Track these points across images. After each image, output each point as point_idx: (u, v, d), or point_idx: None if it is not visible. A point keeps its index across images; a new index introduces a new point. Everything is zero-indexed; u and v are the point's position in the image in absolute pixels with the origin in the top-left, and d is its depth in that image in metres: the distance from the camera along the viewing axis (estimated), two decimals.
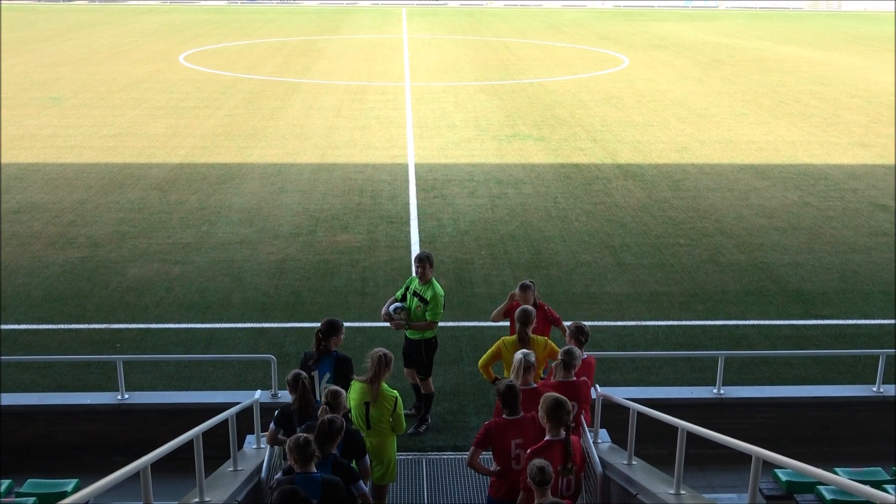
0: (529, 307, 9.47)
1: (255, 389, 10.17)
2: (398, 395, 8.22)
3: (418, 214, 19.72)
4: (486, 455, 7.75)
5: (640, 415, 8.13)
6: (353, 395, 8.15)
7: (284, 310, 14.60)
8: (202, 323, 14.11)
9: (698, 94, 35.69)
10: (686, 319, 14.44)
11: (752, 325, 14.23)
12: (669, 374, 12.55)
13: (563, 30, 60.50)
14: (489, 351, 9.50)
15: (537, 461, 6.29)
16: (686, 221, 19.48)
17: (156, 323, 14.08)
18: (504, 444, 7.31)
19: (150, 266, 16.46)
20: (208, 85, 36.32)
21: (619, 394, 9.85)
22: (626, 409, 8.39)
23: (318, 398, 8.32)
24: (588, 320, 14.16)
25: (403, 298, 10.80)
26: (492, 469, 7.51)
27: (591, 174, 23.32)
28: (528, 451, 6.87)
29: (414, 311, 10.69)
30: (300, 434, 6.56)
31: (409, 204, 20.51)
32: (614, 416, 9.85)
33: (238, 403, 8.86)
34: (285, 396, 10.52)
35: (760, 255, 17.35)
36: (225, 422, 7.98)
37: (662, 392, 11.29)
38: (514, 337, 9.33)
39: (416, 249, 17.40)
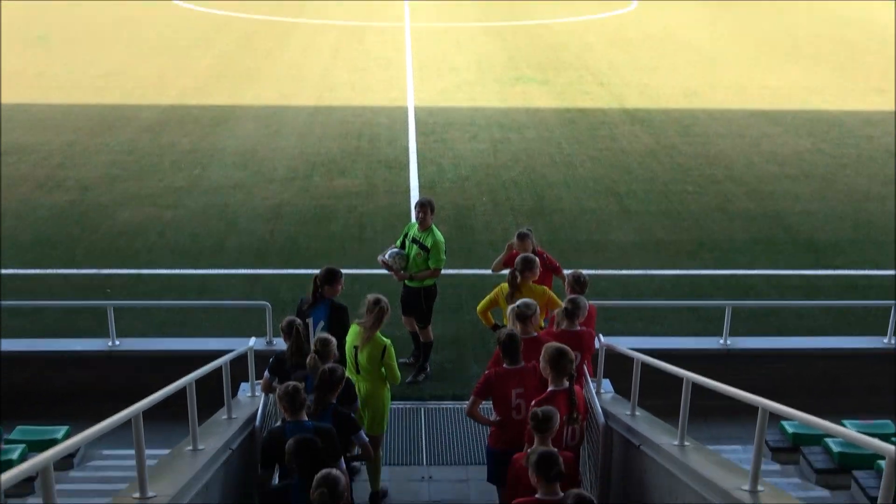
0: (530, 255, 9.38)
1: (250, 337, 10.18)
2: (389, 343, 8.12)
3: (418, 159, 19.62)
4: (486, 405, 7.78)
5: (645, 365, 8.14)
6: (348, 337, 8.22)
7: (280, 256, 14.58)
8: (195, 268, 14.09)
9: (709, 37, 35.32)
10: (693, 268, 14.43)
11: (761, 275, 14.22)
12: (675, 324, 12.56)
13: None
14: (487, 296, 9.46)
15: (543, 408, 6.30)
16: (695, 168, 19.39)
17: (147, 268, 14.07)
18: (505, 393, 7.33)
19: (142, 210, 16.41)
20: (201, 23, 35.94)
21: (623, 343, 9.86)
22: (630, 359, 8.40)
23: (312, 345, 8.00)
24: (592, 268, 14.16)
25: (403, 246, 10.71)
26: (491, 419, 7.55)
27: (597, 119, 23.16)
28: (532, 402, 6.83)
29: (413, 259, 10.61)
30: (289, 382, 6.55)
31: (408, 148, 20.39)
32: (618, 367, 9.86)
33: (232, 351, 8.87)
34: (280, 344, 10.47)
35: (771, 203, 17.29)
36: (218, 369, 8.00)
37: (667, 342, 11.31)
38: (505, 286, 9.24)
39: (415, 195, 17.34)
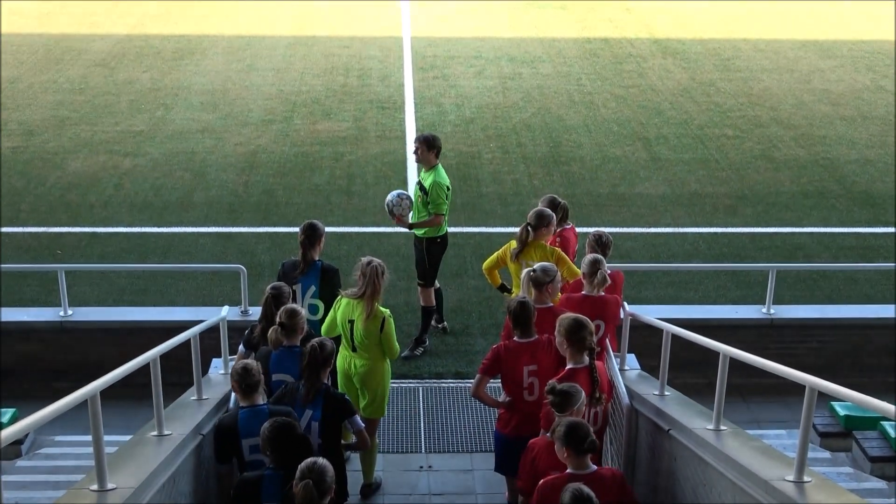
0: (547, 210, 9.32)
1: (222, 305, 10.22)
2: (388, 314, 8.08)
3: (415, 98, 19.56)
4: (494, 384, 7.85)
5: (675, 337, 8.19)
6: (340, 311, 8.17)
7: (255, 212, 14.61)
8: (158, 226, 14.13)
9: None
10: (732, 226, 14.46)
11: (811, 233, 14.25)
12: (711, 290, 12.62)
13: None
14: (496, 253, 9.44)
15: (564, 384, 6.36)
16: (735, 108, 19.34)
17: (103, 226, 14.09)
18: (515, 370, 7.37)
19: (96, 158, 16.41)
20: None
21: (651, 313, 9.90)
22: (659, 330, 8.45)
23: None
24: (616, 226, 14.22)
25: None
26: (500, 400, 7.61)
27: (623, 51, 23.05)
28: (551, 384, 6.66)
29: (415, 203, 10.70)
30: (242, 360, 6.57)
31: (403, 86, 20.32)
32: (645, 339, 9.93)
33: (202, 321, 8.92)
34: (256, 314, 10.56)
35: (823, 150, 17.28)
36: (186, 343, 8.04)
37: (702, 311, 11.37)
38: (513, 242, 9.23)
39: (411, 141, 17.30)
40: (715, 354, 7.28)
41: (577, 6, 27.16)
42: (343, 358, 8.17)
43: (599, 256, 8.43)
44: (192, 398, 8.20)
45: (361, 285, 7.95)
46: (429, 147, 10.60)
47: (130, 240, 13.73)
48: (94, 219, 14.30)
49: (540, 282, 7.87)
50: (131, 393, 9.36)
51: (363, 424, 7.11)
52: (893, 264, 13.04)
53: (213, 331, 9.36)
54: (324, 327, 8.29)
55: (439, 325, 11.52)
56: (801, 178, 16.10)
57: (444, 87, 20.20)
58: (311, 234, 8.85)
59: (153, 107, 18.86)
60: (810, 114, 19.12)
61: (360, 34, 24.08)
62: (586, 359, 6.93)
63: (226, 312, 9.63)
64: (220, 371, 9.38)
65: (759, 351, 7.14)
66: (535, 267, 8.00)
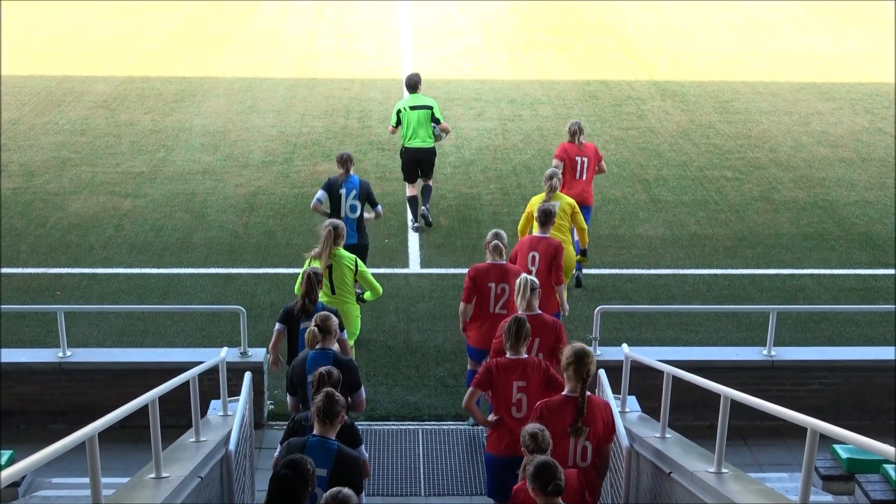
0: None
1: (221, 346, 10.23)
2: (356, 257, 10.26)
3: None
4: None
5: (676, 379, 8.19)
6: (304, 268, 9.71)
7: (255, 253, 14.64)
8: (158, 267, 14.15)
9: None
10: (732, 267, 14.48)
11: (811, 275, 14.27)
12: (711, 331, 12.62)
13: None
14: (523, 215, 11.79)
15: (530, 426, 6.60)
16: (734, 150, 19.42)
17: (103, 267, 14.12)
18: (505, 386, 7.69)
19: (96, 199, 16.46)
20: None
21: (652, 355, 9.91)
22: (660, 372, 8.45)
23: (343, 215, 11.88)
24: (616, 268, 14.26)
25: (398, 123, 14.82)
26: (489, 418, 7.85)
27: (623, 93, 23.19)
28: (539, 404, 7.17)
29: (423, 122, 14.75)
30: (327, 388, 6.75)
31: None
32: (645, 381, 9.92)
33: (201, 363, 8.91)
34: (256, 355, 10.62)
35: (822, 192, 17.33)
36: (185, 384, 8.04)
37: (702, 353, 11.35)
38: (542, 195, 11.48)
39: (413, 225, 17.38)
40: (716, 396, 7.27)
41: (577, 49, 27.35)
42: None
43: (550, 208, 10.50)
44: (191, 440, 8.18)
45: (319, 247, 10.10)
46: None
47: (130, 281, 13.74)
48: (94, 260, 14.32)
49: (536, 287, 8.66)
50: (129, 435, 9.36)
51: (367, 456, 7.36)
52: (894, 306, 13.04)
53: (212, 372, 9.35)
54: (297, 286, 9.72)
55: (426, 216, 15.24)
56: (800, 220, 16.14)
57: None
58: (348, 156, 12.27)
59: (154, 148, 18.94)
60: (809, 156, 19.19)
61: (360, 76, 24.23)
62: (578, 388, 7.06)
63: (225, 354, 9.64)
64: (218, 413, 9.37)
65: (760, 393, 7.14)
66: (534, 280, 8.72)
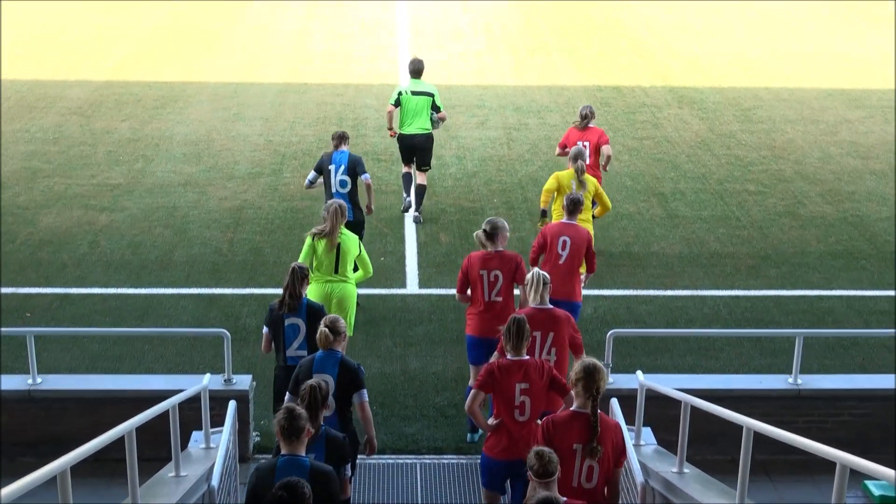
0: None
1: (204, 373, 10.20)
2: (358, 238, 11.30)
3: None
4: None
5: (695, 410, 8.18)
6: (307, 249, 10.93)
7: (241, 272, 14.63)
8: (136, 287, 14.14)
9: None
10: (755, 288, 14.47)
11: (840, 297, 14.25)
12: (732, 358, 12.60)
13: None
14: (546, 188, 13.03)
15: (537, 448, 6.59)
16: (757, 162, 19.44)
17: (76, 287, 14.10)
18: (508, 388, 7.98)
19: (70, 213, 16.47)
20: None
21: (669, 383, 9.89)
22: (677, 402, 8.44)
23: (334, 190, 13.02)
24: (630, 289, 14.26)
25: (397, 104, 15.77)
26: (490, 422, 8.13)
27: (636, 100, 23.23)
28: (545, 420, 7.34)
29: (420, 108, 15.69)
30: (287, 404, 6.93)
31: None
32: (661, 412, 9.90)
33: (182, 391, 8.90)
34: (241, 382, 10.60)
35: (852, 207, 17.34)
36: (164, 414, 8.03)
37: (723, 381, 11.32)
38: (571, 171, 12.91)
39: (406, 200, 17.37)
40: (738, 428, 7.26)
41: (587, 53, 27.42)
42: (321, 287, 10.90)
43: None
44: (171, 475, 8.17)
45: (326, 225, 10.92)
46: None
47: (105, 302, 13.72)
48: (67, 279, 14.31)
49: (546, 281, 9.14)
50: (104, 469, 9.32)
51: (350, 473, 7.67)
52: None
53: (193, 401, 9.34)
54: (301, 257, 10.91)
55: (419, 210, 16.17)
56: (828, 237, 16.14)
57: (444, 138, 20.31)
58: (342, 133, 13.48)
59: (132, 158, 18.96)
60: (838, 168, 19.21)
61: (354, 81, 24.28)
62: (589, 405, 7.16)
63: (207, 381, 9.62)
64: (200, 445, 9.35)
65: (785, 424, 7.13)
66: (542, 273, 9.21)
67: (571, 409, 7.30)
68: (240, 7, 31.86)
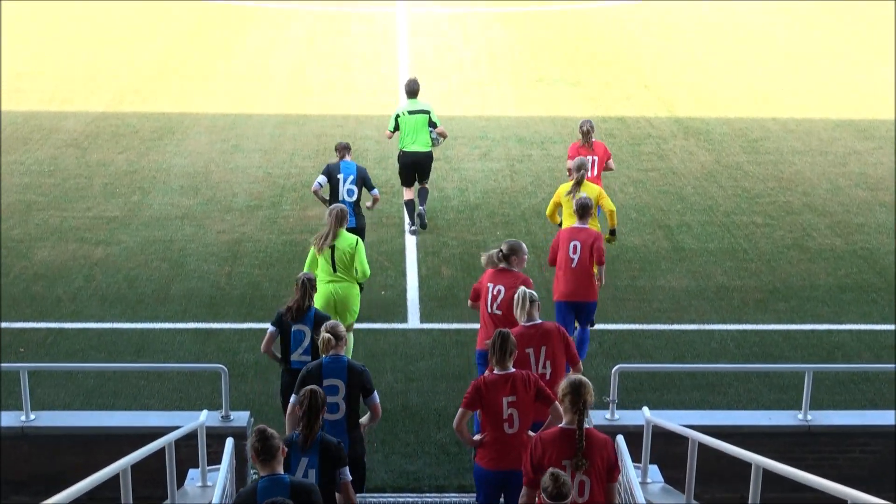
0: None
1: (200, 410, 10.20)
2: (358, 238, 12.01)
3: None
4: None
5: (702, 447, 8.16)
6: (311, 255, 11.84)
7: (239, 306, 14.64)
8: (132, 322, 14.14)
9: (783, 24, 35.60)
10: (763, 322, 14.46)
11: (850, 331, 14.24)
12: (741, 393, 12.58)
13: None
14: (551, 200, 13.98)
15: (553, 470, 6.71)
16: (765, 194, 19.47)
17: (71, 321, 14.11)
18: (496, 402, 8.35)
19: (65, 247, 16.49)
20: (141, 8, 36.28)
21: (675, 419, 9.88)
22: (684, 439, 8.42)
23: (341, 198, 14.05)
24: (635, 323, 14.26)
25: (396, 128, 16.70)
26: (476, 438, 8.55)
27: (642, 131, 23.29)
28: (535, 437, 7.63)
29: (420, 127, 16.56)
30: (260, 426, 7.05)
31: None
32: (668, 449, 9.88)
33: (178, 428, 8.90)
34: (239, 419, 10.60)
35: (861, 239, 17.35)
36: (160, 452, 8.02)
37: (731, 417, 11.31)
38: (571, 183, 13.59)
39: (409, 228, 17.42)
40: (747, 465, 7.25)
41: (591, 83, 27.51)
42: (323, 287, 11.64)
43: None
44: None
45: (325, 228, 11.83)
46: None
47: (101, 336, 13.72)
48: (62, 313, 14.32)
49: (535, 299, 9.57)
50: None
51: (350, 477, 7.89)
52: None
53: (190, 438, 9.34)
54: (306, 268, 11.85)
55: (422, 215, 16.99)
56: (837, 270, 16.15)
57: (446, 170, 20.37)
58: (346, 144, 14.88)
59: (129, 191, 19.00)
60: (847, 199, 19.23)
61: (354, 112, 24.35)
62: (576, 420, 7.35)
63: (204, 418, 9.62)
64: (197, 484, 9.34)
65: (795, 461, 7.12)
66: (528, 291, 9.63)
67: (560, 425, 7.50)
68: (237, 39, 32.00)
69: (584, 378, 7.49)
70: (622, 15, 37.05)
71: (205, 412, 9.89)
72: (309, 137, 22.34)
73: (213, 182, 19.53)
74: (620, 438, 9.19)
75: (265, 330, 13.57)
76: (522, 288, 9.71)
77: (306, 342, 10.17)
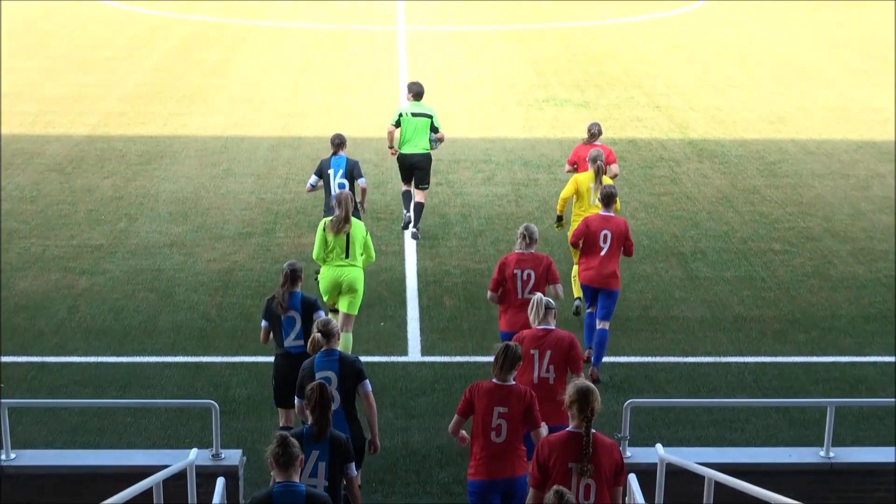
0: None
1: (190, 447, 10.17)
2: (364, 225, 13.45)
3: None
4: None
5: (719, 486, 8.13)
6: (322, 238, 13.16)
7: (230, 338, 14.62)
8: (118, 355, 14.12)
9: (800, 44, 35.73)
10: (783, 354, 14.43)
11: (874, 363, 14.21)
12: (759, 429, 12.53)
13: None
14: (567, 188, 15.11)
15: (557, 487, 7.15)
16: (783, 219, 19.47)
17: (54, 355, 14.09)
18: (486, 411, 9.00)
19: (47, 277, 16.49)
20: (128, 27, 36.45)
21: (691, 457, 9.85)
22: (700, 477, 8.39)
23: (333, 192, 15.10)
24: (648, 355, 14.24)
25: (398, 125, 17.72)
26: (462, 435, 9.32)
27: (654, 153, 23.32)
28: (543, 440, 8.19)
29: (419, 130, 17.55)
30: (280, 434, 7.72)
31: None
32: (683, 488, 9.85)
33: (167, 467, 8.87)
34: (230, 457, 10.57)
35: (885, 267, 17.34)
36: (148, 492, 8.00)
37: (749, 455, 11.28)
38: (589, 173, 14.92)
39: (411, 255, 17.43)
40: None
41: (600, 104, 27.58)
42: (332, 271, 13.14)
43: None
44: None
45: (340, 212, 13.04)
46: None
47: (85, 371, 13.70)
48: (44, 346, 14.30)
49: (550, 307, 10.34)
50: None
51: (356, 472, 8.85)
52: None
53: (179, 478, 9.30)
54: (315, 253, 13.38)
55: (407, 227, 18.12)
56: (861, 299, 16.13)
57: (448, 194, 20.40)
58: (340, 140, 15.82)
59: (115, 218, 19.02)
60: (869, 225, 19.24)
61: (353, 135, 24.29)
62: (584, 426, 7.86)
63: (194, 456, 9.60)
64: None
65: (817, 501, 7.09)
66: (546, 298, 10.45)
67: (568, 429, 8.00)
68: (229, 60, 32.13)
69: (591, 385, 8.04)
70: (631, 33, 37.21)
71: (194, 450, 9.87)
72: (304, 161, 22.35)
73: (204, 208, 19.55)
74: (633, 478, 9.16)
75: (258, 363, 13.77)
76: (539, 295, 10.49)
77: (297, 327, 11.12)
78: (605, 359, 13.52)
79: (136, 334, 14.69)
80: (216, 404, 10.53)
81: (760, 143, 24.24)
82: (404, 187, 18.22)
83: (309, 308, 11.16)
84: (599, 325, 13.44)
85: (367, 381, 9.96)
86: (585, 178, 14.96)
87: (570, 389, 7.99)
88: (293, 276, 11.27)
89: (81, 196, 20.13)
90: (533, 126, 25.45)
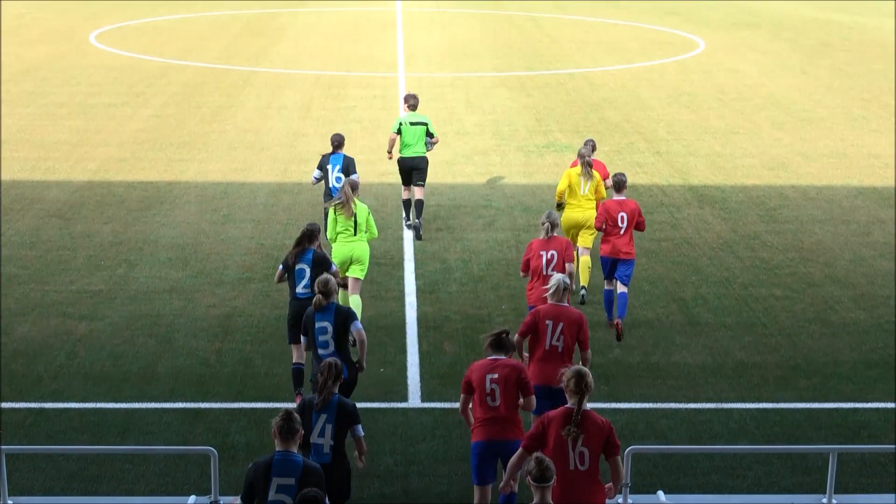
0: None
1: (189, 495, 10.15)
2: (367, 206, 15.91)
3: (415, 254, 19.76)
4: None
5: None
6: (333, 220, 15.60)
7: (229, 385, 14.61)
8: (116, 401, 14.11)
9: (800, 91, 35.89)
10: (784, 401, 14.42)
11: (876, 409, 14.20)
12: (762, 476, 12.50)
13: (615, 1, 61.06)
14: (562, 181, 17.76)
15: (537, 455, 8.37)
16: (784, 265, 19.50)
17: (52, 401, 14.08)
18: (480, 381, 10.55)
19: (46, 322, 16.50)
20: (129, 74, 36.62)
21: None
22: None
23: (331, 185, 18.33)
24: (649, 402, 14.23)
25: (399, 132, 20.29)
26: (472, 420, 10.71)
27: (654, 199, 23.39)
28: (543, 416, 9.49)
29: (419, 137, 20.22)
30: (285, 409, 8.89)
31: (402, 239, 20.56)
32: None
33: None
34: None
35: (887, 313, 17.35)
36: None
37: (752, 501, 11.25)
38: (578, 167, 17.50)
39: (412, 301, 17.45)
40: None
41: (600, 149, 27.51)
42: (343, 247, 15.54)
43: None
44: None
45: (342, 197, 15.52)
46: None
47: (83, 417, 13.69)
48: (42, 392, 14.29)
49: (566, 288, 12.20)
50: None
51: (363, 433, 10.23)
52: None
53: None
54: (329, 233, 15.81)
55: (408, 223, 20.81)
56: (862, 346, 16.13)
57: (448, 240, 20.44)
58: (341, 139, 18.94)
59: (114, 263, 19.06)
60: (871, 271, 19.27)
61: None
62: (576, 399, 9.27)
63: (192, 503, 9.56)
64: None
65: None
66: (566, 281, 12.30)
67: (566, 405, 9.38)
68: (230, 104, 32.28)
69: (585, 369, 9.52)
70: (631, 80, 37.38)
71: (193, 498, 9.86)
72: (304, 207, 22.42)
73: (203, 254, 19.59)
74: None
75: (257, 409, 13.77)
76: (559, 276, 12.28)
77: (306, 278, 13.49)
78: (606, 405, 13.50)
79: (135, 380, 14.68)
80: (215, 451, 10.52)
81: (761, 189, 24.32)
82: (404, 195, 20.77)
83: (319, 264, 13.52)
84: (620, 288, 16.03)
85: (359, 321, 12.25)
86: (575, 171, 17.64)
87: (567, 373, 9.42)
88: (309, 235, 13.75)
89: (81, 241, 20.17)
90: (533, 172, 25.53)
